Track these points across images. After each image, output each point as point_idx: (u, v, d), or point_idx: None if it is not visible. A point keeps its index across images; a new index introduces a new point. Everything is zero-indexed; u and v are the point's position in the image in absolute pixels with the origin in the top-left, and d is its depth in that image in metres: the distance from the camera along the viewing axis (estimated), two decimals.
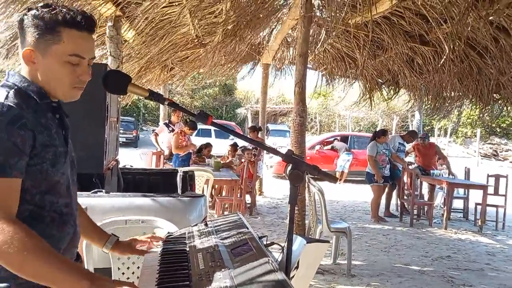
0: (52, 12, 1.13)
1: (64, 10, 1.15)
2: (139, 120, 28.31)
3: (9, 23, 4.51)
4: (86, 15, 1.17)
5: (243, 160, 7.23)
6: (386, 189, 7.35)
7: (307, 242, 1.37)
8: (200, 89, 30.83)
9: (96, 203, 2.34)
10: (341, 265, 4.49)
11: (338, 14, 5.06)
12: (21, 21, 1.15)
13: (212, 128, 18.67)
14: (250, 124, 22.19)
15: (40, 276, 1.03)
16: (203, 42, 7.25)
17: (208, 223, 1.72)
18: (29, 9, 1.16)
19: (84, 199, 2.35)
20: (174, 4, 5.22)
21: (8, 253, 0.99)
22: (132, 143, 19.92)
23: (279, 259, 1.36)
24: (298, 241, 1.39)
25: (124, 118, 20.07)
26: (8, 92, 1.10)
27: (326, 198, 4.30)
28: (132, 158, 10.08)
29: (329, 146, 13.34)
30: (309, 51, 4.92)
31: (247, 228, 1.54)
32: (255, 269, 1.12)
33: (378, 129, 13.13)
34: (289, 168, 1.28)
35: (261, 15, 5.93)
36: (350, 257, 4.31)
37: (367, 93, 8.09)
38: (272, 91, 27.41)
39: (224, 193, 7.26)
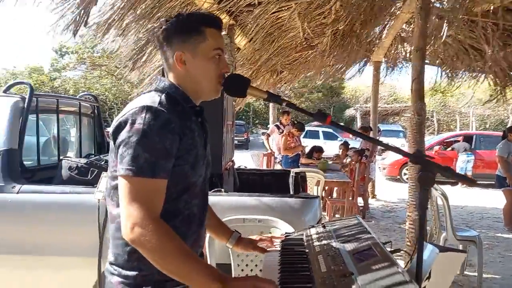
0: (194, 16, 1.26)
1: (202, 13, 1.28)
2: (249, 123, 29.40)
3: (135, 38, 5.04)
4: (217, 16, 1.30)
5: (352, 162, 7.00)
6: None
7: (440, 251, 1.24)
8: (307, 91, 30.86)
9: (216, 202, 2.45)
10: (469, 277, 4.07)
11: (459, 3, 4.60)
12: (164, 31, 1.25)
13: (320, 129, 18.53)
14: (359, 125, 21.49)
15: (176, 273, 1.10)
16: (311, 44, 7.23)
17: (326, 225, 1.69)
18: (167, 20, 1.26)
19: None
20: (283, 9, 5.30)
21: (150, 249, 1.08)
22: (243, 145, 20.77)
23: (406, 268, 1.27)
24: (429, 249, 1.27)
25: (236, 121, 21.03)
26: (160, 97, 1.19)
27: (450, 204, 3.93)
28: (243, 159, 10.49)
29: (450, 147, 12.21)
30: (427, 46, 4.57)
31: (369, 233, 1.46)
32: (384, 279, 1.05)
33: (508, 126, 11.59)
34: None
35: (372, 12, 5.68)
36: (481, 270, 3.86)
37: (498, 88, 7.20)
38: (383, 90, 26.17)
39: (334, 195, 7.12)
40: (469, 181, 1.18)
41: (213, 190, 2.57)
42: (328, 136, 17.95)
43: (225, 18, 4.89)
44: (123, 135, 1.13)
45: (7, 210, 2.52)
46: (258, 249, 1.56)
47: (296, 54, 7.73)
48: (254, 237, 1.62)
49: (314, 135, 17.60)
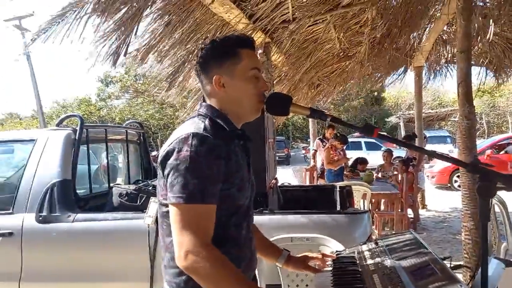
0: (228, 39, 1.28)
1: (235, 35, 1.29)
2: (289, 138, 29.32)
3: (172, 61, 5.19)
4: (249, 37, 1.32)
5: (395, 173, 6.77)
6: None
7: (506, 265, 1.16)
8: (346, 101, 30.43)
9: (262, 221, 2.44)
10: None
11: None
12: (200, 58, 1.28)
13: (363, 140, 18.13)
14: (403, 132, 20.83)
15: None
16: (348, 54, 7.15)
17: (378, 241, 1.62)
18: (203, 48, 1.29)
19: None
20: (318, 22, 5.29)
21: (204, 276, 1.09)
22: (284, 160, 20.69)
23: (469, 285, 1.19)
24: (493, 264, 1.19)
25: (276, 137, 21.06)
26: (204, 123, 1.21)
27: (509, 210, 3.68)
28: (285, 175, 10.42)
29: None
30: (471, 46, 4.38)
31: (426, 248, 1.39)
32: None
33: None
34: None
35: (411, 17, 5.55)
36: None
37: None
38: (426, 95, 25.32)
39: (382, 207, 6.88)
40: None
41: (258, 209, 2.55)
42: (371, 147, 17.51)
43: (260, 37, 4.94)
44: (171, 163, 1.15)
45: (63, 239, 2.63)
46: (309, 269, 1.52)
47: (334, 65, 7.66)
48: (304, 254, 1.58)
49: (356, 146, 17.22)
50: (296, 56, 6.18)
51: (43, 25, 3.58)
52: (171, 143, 1.18)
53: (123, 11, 3.50)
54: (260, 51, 5.16)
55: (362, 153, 13.50)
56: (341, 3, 4.73)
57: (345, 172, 6.99)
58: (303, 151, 22.49)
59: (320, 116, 1.33)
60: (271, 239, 2.24)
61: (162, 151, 1.20)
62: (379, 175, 7.17)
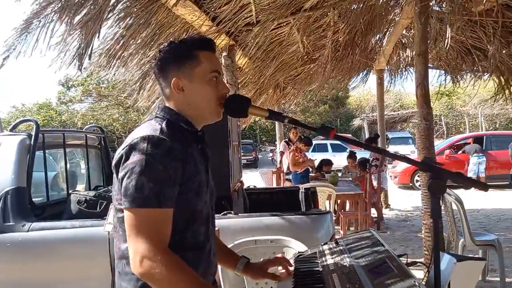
0: (186, 42, 1.26)
1: (193, 37, 1.28)
2: (257, 142, 29.43)
3: (139, 66, 5.10)
4: (208, 38, 1.31)
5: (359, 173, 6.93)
6: None
7: (458, 260, 1.20)
8: (312, 105, 30.91)
9: (226, 225, 2.43)
10: (492, 283, 3.94)
11: (458, 4, 4.59)
12: (158, 62, 1.26)
13: (328, 142, 18.45)
14: (367, 134, 21.37)
15: None
16: (313, 58, 7.26)
17: (338, 241, 1.64)
18: (160, 51, 1.27)
19: (216, 221, 2.46)
20: (282, 25, 5.34)
21: (161, 282, 1.06)
22: (252, 164, 20.74)
23: (424, 281, 1.22)
24: (446, 259, 1.22)
25: (243, 141, 21.08)
26: (161, 125, 1.18)
27: (465, 208, 3.84)
28: (253, 178, 10.44)
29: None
30: (428, 49, 4.55)
31: (383, 246, 1.41)
32: None
33: None
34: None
35: (371, 21, 5.70)
36: (504, 274, 3.74)
37: (502, 86, 7.12)
38: (388, 97, 26.10)
39: (347, 208, 7.02)
40: (482, 186, 1.13)
41: (222, 213, 2.53)
42: (336, 149, 17.84)
43: (224, 40, 4.93)
44: (125, 166, 1.12)
45: (18, 249, 2.51)
46: (269, 276, 1.49)
47: (299, 68, 7.76)
48: (264, 260, 1.56)
49: (322, 148, 17.52)
50: (261, 59, 6.21)
51: (9, 40, 3.42)
52: (126, 146, 1.15)
53: (83, 12, 3.40)
54: (224, 53, 5.15)
55: (328, 155, 13.74)
56: (303, 6, 4.79)
57: (311, 174, 7.08)
58: (271, 154, 22.64)
59: (278, 118, 1.33)
60: (235, 242, 2.23)
61: (117, 154, 1.17)
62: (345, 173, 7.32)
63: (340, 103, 32.95)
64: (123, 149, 1.15)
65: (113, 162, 1.18)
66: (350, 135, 23.36)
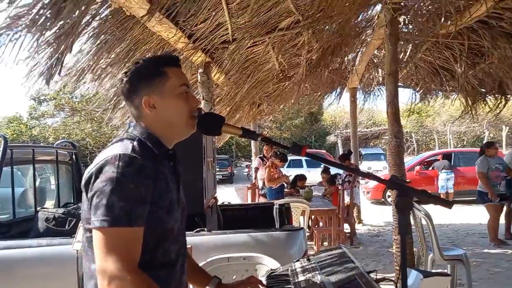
0: (152, 60, 1.29)
1: (159, 56, 1.32)
2: (233, 157, 29.38)
3: (114, 81, 5.05)
4: (175, 56, 1.34)
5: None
6: (505, 208, 6.52)
7: (424, 276, 1.23)
8: (287, 120, 31.22)
9: (199, 242, 2.41)
10: None
11: (425, 26, 4.80)
12: (128, 80, 1.26)
13: (303, 158, 18.63)
14: (341, 150, 21.68)
15: None
16: (288, 75, 7.37)
17: (310, 258, 1.66)
18: (126, 72, 1.27)
19: (188, 239, 2.43)
20: (257, 43, 5.42)
21: None
22: (228, 179, 20.67)
23: None
24: (413, 275, 1.26)
25: (219, 156, 21.02)
26: (133, 144, 1.18)
27: (435, 223, 3.94)
28: (228, 194, 10.39)
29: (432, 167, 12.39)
30: (399, 69, 4.71)
31: (353, 263, 1.44)
32: None
33: (485, 142, 11.85)
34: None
35: (344, 41, 5.87)
36: None
37: (469, 106, 7.42)
38: (362, 115, 26.65)
39: (321, 224, 7.07)
40: (446, 203, 1.18)
41: (195, 230, 2.51)
42: (311, 164, 17.99)
43: (200, 56, 4.96)
44: (96, 185, 1.10)
45: None
46: None
47: (274, 85, 7.85)
48: (237, 281, 1.55)
49: (297, 164, 17.62)
50: (237, 76, 6.26)
51: None
52: (96, 165, 1.14)
53: (56, 28, 3.35)
54: (200, 70, 5.16)
55: (303, 171, 13.83)
56: (278, 26, 4.89)
57: (285, 190, 7.12)
58: (246, 169, 22.63)
59: (251, 136, 1.35)
60: (208, 260, 2.21)
61: (87, 173, 1.15)
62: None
63: (314, 119, 33.41)
64: (92, 168, 1.14)
65: (83, 181, 1.16)
66: (324, 151, 23.65)
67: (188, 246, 2.22)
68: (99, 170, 1.11)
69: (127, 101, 1.29)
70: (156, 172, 1.16)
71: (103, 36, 4.04)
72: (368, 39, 6.64)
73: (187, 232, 2.53)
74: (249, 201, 8.07)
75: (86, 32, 3.88)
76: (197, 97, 1.38)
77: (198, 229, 2.55)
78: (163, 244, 1.19)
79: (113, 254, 1.05)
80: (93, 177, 1.12)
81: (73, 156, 3.79)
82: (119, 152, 1.13)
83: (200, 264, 1.99)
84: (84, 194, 1.16)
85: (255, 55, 5.80)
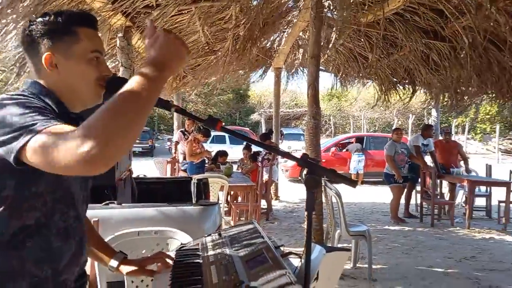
0: (64, 15, 1.12)
1: (72, 12, 1.15)
2: (154, 130, 28.54)
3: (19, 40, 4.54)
4: (92, 14, 1.19)
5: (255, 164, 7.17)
6: (406, 190, 7.19)
7: (327, 251, 1.29)
8: (214, 96, 30.97)
9: (108, 215, 2.30)
10: (361, 269, 4.37)
11: (348, 14, 4.98)
12: (30, 32, 1.11)
13: (227, 134, 18.65)
14: (264, 129, 22.15)
15: (150, 97, 0.91)
16: (214, 49, 7.24)
17: (222, 233, 1.66)
18: (31, 21, 1.12)
19: (96, 212, 2.31)
20: (183, 12, 5.21)
21: (110, 123, 0.82)
22: (148, 152, 20.07)
23: (297, 270, 1.29)
24: (317, 250, 1.31)
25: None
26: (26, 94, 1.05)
27: (344, 201, 4.20)
28: (148, 167, 10.11)
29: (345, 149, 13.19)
30: (321, 53, 4.85)
31: (263, 238, 1.46)
32: (271, 282, 1.05)
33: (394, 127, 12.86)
34: (304, 172, 1.20)
35: (271, 19, 5.88)
36: (371, 261, 4.19)
37: (382, 93, 7.94)
38: (285, 95, 27.34)
39: (240, 199, 7.20)
40: (351, 182, 1.23)
41: (104, 203, 2.39)
42: (234, 141, 18.11)
43: (120, 20, 4.64)
44: None
45: None
46: (146, 272, 1.43)
47: (199, 58, 7.68)
48: (143, 258, 1.50)
49: (220, 140, 17.65)
50: None
51: None
52: None
53: None
54: (120, 34, 4.84)
55: (226, 147, 13.90)
56: None
57: (206, 165, 7.10)
58: (168, 143, 22.15)
59: (164, 106, 1.28)
60: (116, 234, 2.11)
61: None
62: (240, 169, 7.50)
63: (241, 97, 33.57)
64: None
65: None
66: (248, 129, 23.93)
67: (95, 219, 2.11)
68: None
69: (26, 54, 1.14)
70: None
71: None
72: (295, 20, 6.73)
73: (95, 205, 2.41)
74: (168, 175, 7.93)
75: None
76: (109, 68, 1.25)
77: (107, 201, 2.43)
78: (62, 206, 1.10)
79: (56, 143, 0.84)
80: None
81: None
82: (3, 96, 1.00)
83: (108, 238, 1.90)
84: None
85: (180, 24, 5.59)
